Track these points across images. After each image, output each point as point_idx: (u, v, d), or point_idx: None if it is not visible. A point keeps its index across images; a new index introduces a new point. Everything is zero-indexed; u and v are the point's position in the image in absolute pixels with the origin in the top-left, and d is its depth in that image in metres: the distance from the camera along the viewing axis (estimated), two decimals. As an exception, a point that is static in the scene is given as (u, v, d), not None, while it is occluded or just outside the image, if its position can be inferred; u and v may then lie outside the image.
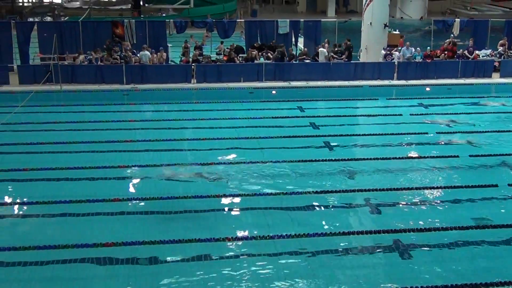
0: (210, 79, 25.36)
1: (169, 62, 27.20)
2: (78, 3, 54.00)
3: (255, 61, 26.25)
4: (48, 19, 43.45)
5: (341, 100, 23.93)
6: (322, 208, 13.95)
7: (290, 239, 12.26)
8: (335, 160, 16.84)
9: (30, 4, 55.33)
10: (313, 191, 14.63)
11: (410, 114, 21.72)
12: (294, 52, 27.24)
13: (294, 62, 26.36)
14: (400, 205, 14.18)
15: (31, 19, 41.31)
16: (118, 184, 15.14)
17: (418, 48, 27.63)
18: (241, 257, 11.73)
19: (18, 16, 42.06)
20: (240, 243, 12.23)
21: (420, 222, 13.13)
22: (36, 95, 21.54)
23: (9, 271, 11.21)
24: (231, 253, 11.88)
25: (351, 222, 13.40)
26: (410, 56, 26.77)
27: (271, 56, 26.42)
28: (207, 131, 19.40)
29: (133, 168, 16.25)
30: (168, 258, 11.62)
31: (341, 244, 12.20)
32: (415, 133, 19.35)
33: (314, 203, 14.10)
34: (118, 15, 43.36)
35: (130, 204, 14.06)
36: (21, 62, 26.45)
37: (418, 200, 14.47)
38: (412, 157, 17.36)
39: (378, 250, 12.05)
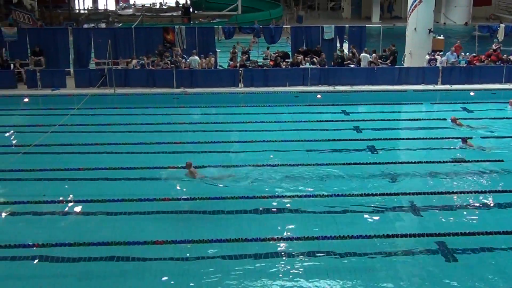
0: (257, 84, 25.39)
1: (217, 67, 27.35)
2: (131, 10, 54.87)
3: (301, 66, 26.18)
4: (103, 25, 44.17)
5: (385, 104, 23.64)
6: (366, 210, 13.80)
7: (334, 241, 12.17)
8: (379, 163, 16.65)
9: (86, 11, 56.46)
10: (357, 194, 14.49)
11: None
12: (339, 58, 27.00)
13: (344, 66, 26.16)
14: (444, 209, 13.90)
15: (86, 26, 42.10)
16: (168, 184, 15.26)
17: (463, 53, 27.10)
18: (285, 257, 11.69)
19: (75, 23, 42.92)
20: (284, 243, 12.18)
21: (464, 226, 12.86)
22: (91, 98, 21.91)
23: (65, 265, 11.43)
24: (274, 252, 11.83)
25: (394, 225, 13.21)
26: (455, 61, 26.28)
27: (316, 61, 26.31)
28: (253, 133, 19.41)
29: (183, 169, 16.36)
30: (217, 257, 11.65)
31: (385, 247, 12.05)
32: (459, 138, 18.96)
33: (358, 206, 13.96)
34: (169, 22, 43.84)
35: (179, 203, 14.17)
36: (77, 67, 27.00)
37: (462, 204, 14.19)
38: (455, 161, 17.00)
39: (421, 253, 11.84)
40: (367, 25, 29.93)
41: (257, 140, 18.60)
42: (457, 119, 20.34)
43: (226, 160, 17.01)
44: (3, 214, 13.62)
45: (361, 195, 14.44)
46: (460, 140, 18.28)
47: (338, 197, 14.31)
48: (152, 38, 27.39)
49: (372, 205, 14.06)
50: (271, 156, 17.35)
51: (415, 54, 27.23)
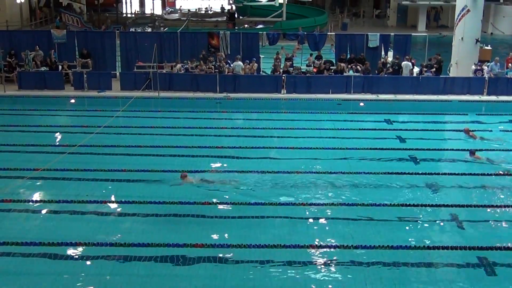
0: (300, 90, 25.36)
1: (261, 72, 27.44)
2: (177, 15, 55.56)
3: (344, 74, 26.06)
4: (149, 29, 44.79)
5: (429, 114, 23.32)
6: (407, 221, 13.65)
7: (373, 250, 12.07)
8: (421, 173, 16.42)
9: (133, 15, 57.38)
10: (398, 204, 14.34)
11: (500, 130, 20.91)
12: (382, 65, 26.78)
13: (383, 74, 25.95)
14: (486, 222, 13.64)
15: (133, 29, 42.76)
16: (210, 188, 15.36)
17: (510, 64, 26.56)
18: (324, 265, 11.65)
19: (122, 26, 43.66)
20: (323, 251, 12.14)
21: (507, 240, 12.59)
22: (135, 101, 22.25)
23: (106, 265, 11.63)
24: (313, 261, 11.80)
25: (435, 237, 13.01)
26: (499, 71, 25.77)
27: (360, 69, 26.15)
28: (295, 140, 19.40)
29: (223, 173, 16.47)
30: (257, 262, 11.68)
31: (425, 258, 11.88)
32: (505, 150, 18.58)
33: (399, 216, 13.81)
34: (214, 27, 44.20)
35: (219, 208, 14.25)
36: (123, 69, 27.45)
37: (505, 218, 13.88)
38: (500, 174, 16.66)
39: (462, 266, 11.65)
40: (412, 34, 29.61)
41: (298, 147, 18.58)
42: (470, 130, 19.97)
43: (266, 166, 17.02)
44: (48, 213, 13.91)
45: (402, 205, 14.29)
46: (468, 152, 17.94)
47: (378, 206, 14.17)
48: (197, 42, 27.64)
49: (413, 215, 13.89)
50: (312, 163, 17.30)
51: (461, 64, 26.80)
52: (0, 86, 25.24)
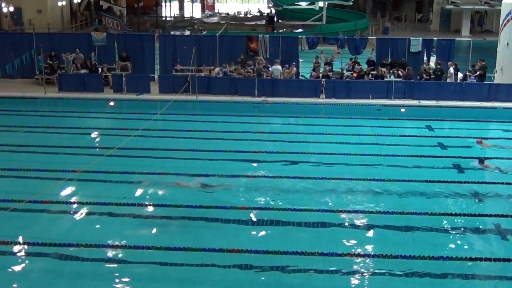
0: (339, 95, 25.22)
1: (300, 77, 27.39)
2: (216, 18, 55.96)
3: (385, 79, 25.82)
4: (188, 33, 45.19)
5: (472, 121, 22.91)
6: (448, 230, 13.41)
7: (413, 260, 11.88)
8: (464, 182, 16.12)
9: (172, 18, 57.97)
10: (439, 213, 14.10)
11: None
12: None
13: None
14: (532, 234, 13.33)
15: (172, 33, 43.18)
16: (247, 193, 15.36)
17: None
18: (361, 274, 11.52)
19: (161, 29, 44.14)
20: (360, 260, 12.01)
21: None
22: (174, 104, 22.43)
23: (144, 268, 11.72)
24: (350, 270, 11.68)
25: (478, 248, 12.76)
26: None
27: (402, 74, 25.87)
28: (333, 146, 19.28)
29: (260, 178, 16.45)
30: (291, 268, 11.62)
31: (467, 270, 11.65)
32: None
33: (440, 225, 13.59)
34: (253, 30, 44.33)
35: (255, 213, 14.24)
36: (161, 73, 27.72)
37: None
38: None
39: (506, 279, 11.39)
40: (456, 38, 29.18)
41: (337, 152, 18.46)
42: (482, 140, 19.57)
43: (303, 171, 16.96)
44: (86, 215, 14.09)
45: (443, 214, 14.04)
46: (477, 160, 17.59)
47: (418, 215, 13.95)
48: (236, 46, 27.76)
49: (455, 225, 13.65)
50: (350, 170, 17.16)
51: (506, 70, 26.26)
52: (41, 88, 25.75)
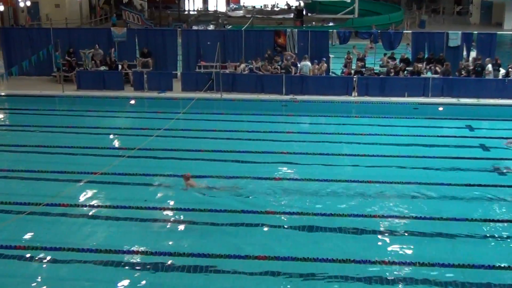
0: (372, 93, 25.11)
1: (330, 73, 27.31)
2: (241, 12, 56.10)
3: (421, 75, 25.62)
4: (212, 27, 45.35)
5: (516, 121, 22.68)
6: (490, 237, 13.25)
7: (451, 269, 11.77)
8: (506, 186, 15.93)
9: (195, 12, 58.23)
10: (479, 219, 13.95)
11: None
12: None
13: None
14: None
15: (195, 27, 43.39)
16: (273, 196, 15.37)
17: None
18: (396, 283, 11.44)
19: (184, 24, 44.37)
20: (395, 268, 11.93)
21: None
22: (197, 102, 22.55)
23: (164, 275, 11.78)
24: (385, 278, 11.61)
25: (521, 256, 12.61)
26: None
27: (439, 70, 25.66)
28: (366, 147, 19.19)
29: (288, 180, 16.43)
30: (321, 276, 11.59)
31: (510, 279, 11.51)
32: None
33: (480, 232, 13.43)
34: (280, 25, 44.34)
35: (282, 218, 14.20)
36: (184, 69, 27.87)
37: None
38: None
39: (553, 290, 11.23)
40: (498, 32, 28.83)
41: (369, 154, 18.37)
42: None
43: (334, 173, 16.90)
44: (106, 218, 14.20)
45: (484, 220, 13.88)
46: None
47: (457, 221, 13.82)
48: (263, 41, 27.82)
49: (497, 232, 13.48)
50: (384, 172, 17.06)
51: (553, 65, 25.92)
52: (58, 85, 26.10)
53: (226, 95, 25.08)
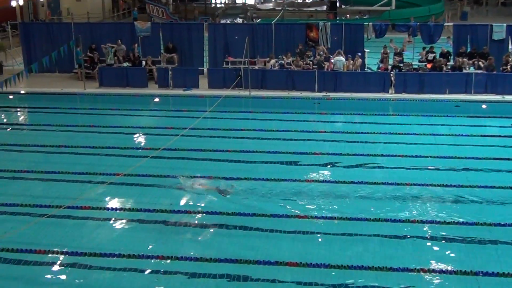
0: (411, 89, 24.94)
1: (365, 69, 27.20)
2: (271, 4, 56.01)
3: (464, 71, 25.37)
4: (240, 21, 45.42)
5: None
6: (537, 245, 13.10)
7: (498, 278, 11.64)
8: (556, 189, 15.75)
9: (222, 5, 58.37)
10: (527, 224, 13.80)
11: None
12: None
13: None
14: None
15: (223, 21, 43.51)
16: (305, 199, 15.36)
17: None
18: (437, 292, 11.40)
19: (210, 18, 44.53)
20: (435, 276, 11.83)
21: None
22: (224, 100, 22.61)
23: (189, 282, 11.85)
24: (426, 287, 11.55)
25: None
26: None
27: (483, 65, 25.39)
28: (404, 147, 19.08)
29: (321, 183, 16.40)
30: (356, 285, 11.56)
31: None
32: None
33: (528, 239, 13.30)
34: (312, 18, 44.26)
35: (315, 222, 14.18)
36: (211, 65, 27.97)
37: None
38: None
39: None
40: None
41: (408, 155, 18.25)
42: None
43: (370, 175, 16.84)
44: (129, 222, 14.34)
45: (532, 226, 13.73)
46: None
47: (503, 226, 13.67)
48: (294, 35, 27.81)
49: (546, 239, 13.33)
50: (424, 174, 16.95)
51: None
52: (80, 83, 26.39)
53: (255, 93, 25.11)
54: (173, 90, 25.93)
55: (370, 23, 28.78)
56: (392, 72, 25.61)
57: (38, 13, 44.57)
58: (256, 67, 26.59)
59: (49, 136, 20.79)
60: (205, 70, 27.87)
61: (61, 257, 12.65)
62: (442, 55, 26.93)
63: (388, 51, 27.40)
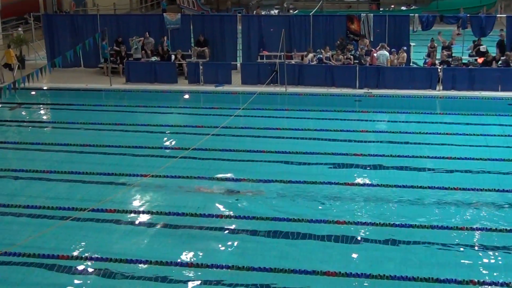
0: (460, 86, 24.67)
1: (411, 64, 26.99)
2: (309, -6, 55.77)
3: (517, 66, 25.07)
4: (276, 12, 45.39)
5: None
6: None
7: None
8: None
9: (257, -5, 58.34)
10: None
11: None
12: None
13: None
14: None
15: (257, 12, 43.50)
16: (345, 204, 15.30)
17: None
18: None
19: (244, 9, 44.55)
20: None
21: None
22: (258, 97, 22.59)
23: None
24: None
25: None
26: None
27: (539, 60, 25.03)
28: (452, 148, 18.90)
29: (362, 186, 16.30)
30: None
31: None
32: None
33: None
34: (353, 9, 44.04)
35: (356, 228, 14.10)
36: (244, 60, 27.99)
37: None
38: None
39: None
40: None
41: (456, 157, 18.09)
42: None
43: (413, 178, 16.68)
44: (158, 226, 14.40)
45: None
46: None
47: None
48: (333, 27, 27.71)
49: None
50: (475, 178, 16.77)
51: None
52: (106, 78, 26.62)
53: (291, 89, 25.07)
54: (204, 86, 26.01)
55: (416, 15, 28.52)
56: (439, 67, 25.35)
57: (62, 5, 45.03)
58: (293, 62, 26.55)
59: (73, 135, 21.01)
60: (238, 65, 27.88)
61: (85, 263, 12.74)
62: (500, 45, 26.53)
63: (436, 44, 27.12)
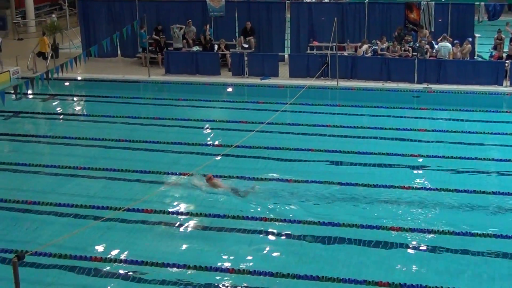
0: (530, 82, 24.43)
1: (475, 57, 26.73)
2: (364, -20, 55.49)
3: None
4: (328, -1, 45.31)
5: None
6: None
7: None
8: None
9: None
10: None
11: None
12: None
13: None
14: None
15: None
16: (397, 209, 15.30)
17: None
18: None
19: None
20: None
21: None
22: (307, 91, 22.56)
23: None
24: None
25: None
26: None
27: None
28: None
29: (418, 190, 16.21)
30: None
31: None
32: None
33: None
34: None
35: (408, 235, 14.01)
36: (293, 51, 28.01)
37: None
38: None
39: None
40: None
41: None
42: None
43: (476, 183, 16.60)
44: (195, 229, 14.58)
45: None
46: None
47: None
48: (390, 16, 27.58)
49: None
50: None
51: None
52: (144, 69, 26.92)
53: (343, 83, 25.04)
54: (248, 78, 26.13)
55: (482, 3, 28.23)
56: (507, 61, 25.06)
57: (99, -10, 45.55)
58: (346, 54, 26.50)
59: (108, 129, 21.34)
60: (286, 56, 27.92)
61: (119, 266, 12.94)
62: None
63: (503, 36, 26.79)
